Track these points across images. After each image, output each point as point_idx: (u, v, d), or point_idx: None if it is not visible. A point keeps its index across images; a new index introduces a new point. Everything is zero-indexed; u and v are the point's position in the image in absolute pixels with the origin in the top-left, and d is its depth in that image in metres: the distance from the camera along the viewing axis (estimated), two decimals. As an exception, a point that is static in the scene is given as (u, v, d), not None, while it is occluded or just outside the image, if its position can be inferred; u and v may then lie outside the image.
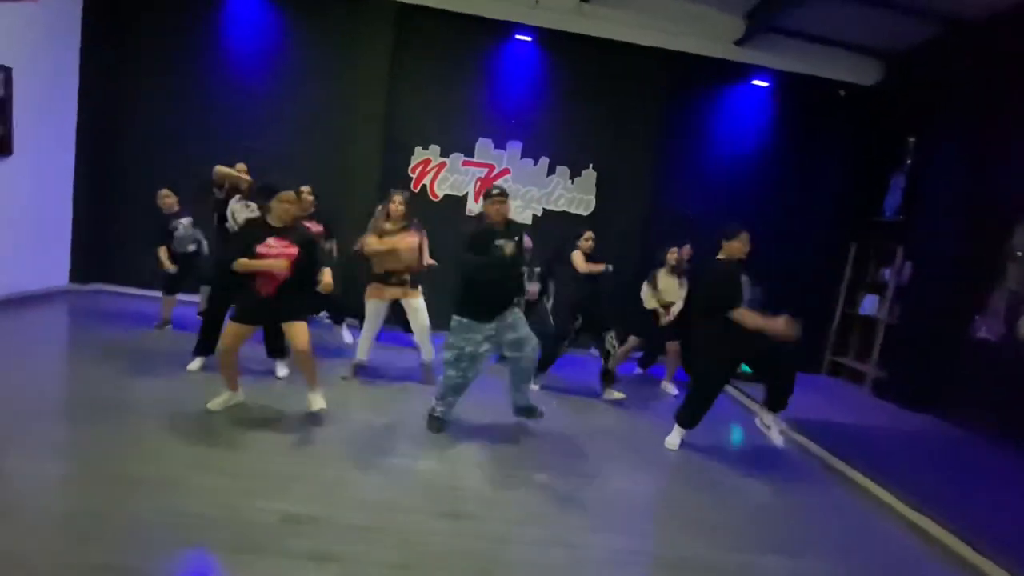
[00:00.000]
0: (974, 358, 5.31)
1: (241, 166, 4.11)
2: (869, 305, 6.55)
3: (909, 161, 6.29)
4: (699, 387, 3.94)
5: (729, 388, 5.75)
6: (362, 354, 4.48)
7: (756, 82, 6.59)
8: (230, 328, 3.34)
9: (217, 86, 6.29)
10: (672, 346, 5.43)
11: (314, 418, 3.52)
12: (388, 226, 4.18)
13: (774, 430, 3.96)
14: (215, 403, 3.46)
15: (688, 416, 3.93)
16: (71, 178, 6.16)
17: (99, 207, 6.29)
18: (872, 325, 6.47)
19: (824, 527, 3.16)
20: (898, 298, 6.15)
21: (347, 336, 5.49)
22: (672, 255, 5.20)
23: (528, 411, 3.82)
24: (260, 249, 3.22)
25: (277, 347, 4.24)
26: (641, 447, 3.95)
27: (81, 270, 6.35)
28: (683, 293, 5.20)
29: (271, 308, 3.35)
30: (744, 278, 3.65)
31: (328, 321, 5.87)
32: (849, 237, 6.87)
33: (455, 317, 3.48)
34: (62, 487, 2.57)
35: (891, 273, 6.30)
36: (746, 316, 3.49)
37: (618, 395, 4.80)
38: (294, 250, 3.28)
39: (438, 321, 5.62)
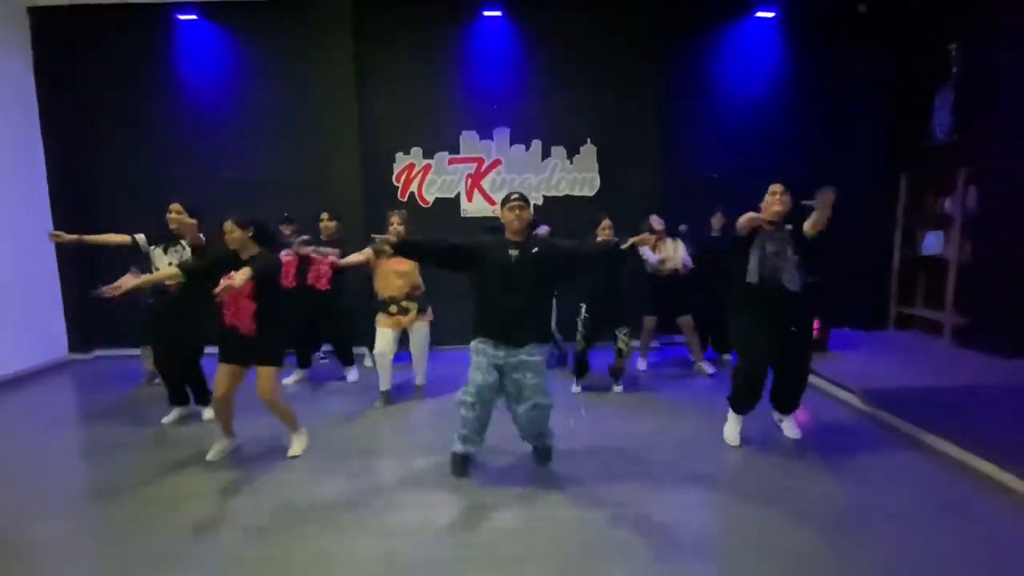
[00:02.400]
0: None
1: (175, 206, 3.73)
2: (933, 243, 5.69)
3: (955, 70, 5.41)
4: (739, 361, 3.42)
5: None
6: (384, 383, 4.27)
7: (761, 14, 5.81)
8: (220, 371, 3.19)
9: (182, 124, 5.94)
10: (685, 320, 4.94)
11: (308, 476, 3.07)
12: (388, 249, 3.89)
13: (787, 424, 3.58)
14: (213, 453, 3.38)
15: (734, 398, 3.45)
16: (52, 246, 5.92)
17: (86, 271, 6.01)
18: (940, 266, 5.61)
19: (933, 535, 2.48)
20: (968, 230, 5.28)
21: (353, 375, 4.97)
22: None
23: (539, 453, 3.21)
24: (223, 280, 2.99)
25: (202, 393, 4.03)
26: (692, 454, 3.32)
27: (79, 338, 6.12)
28: (678, 253, 4.87)
29: (252, 346, 3.15)
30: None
31: (324, 360, 5.55)
32: (897, 169, 6.01)
33: (472, 341, 3.03)
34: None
35: (954, 203, 5.44)
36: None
37: (617, 389, 4.55)
38: (251, 282, 3.00)
39: (446, 336, 5.20)
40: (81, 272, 5.99)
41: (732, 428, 3.47)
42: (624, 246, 3.10)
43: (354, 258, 4.01)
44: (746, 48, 5.93)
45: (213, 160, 5.90)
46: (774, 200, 3.19)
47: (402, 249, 3.05)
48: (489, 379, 2.92)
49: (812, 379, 4.60)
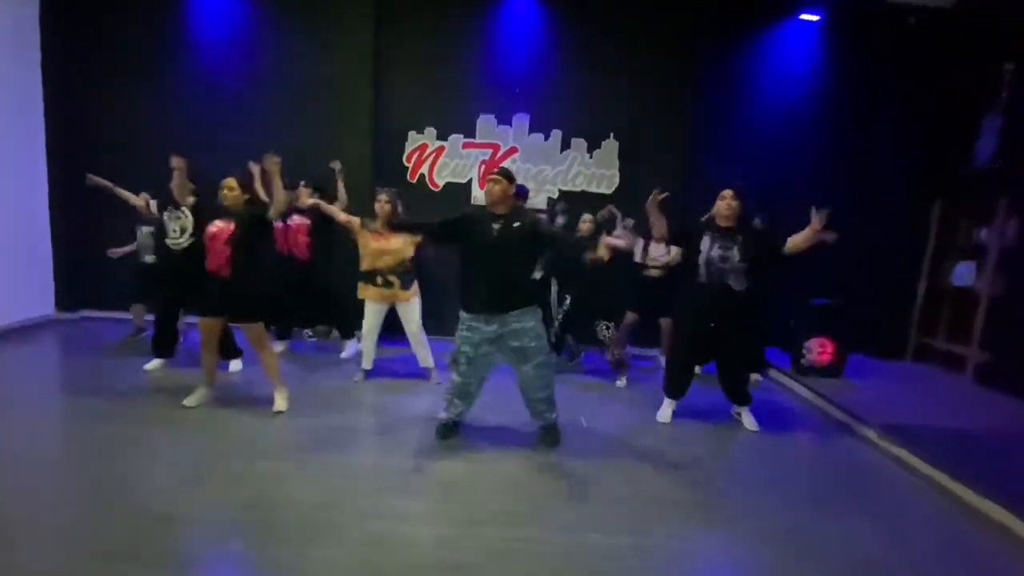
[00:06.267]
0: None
1: (230, 181, 3.80)
2: (963, 274, 5.41)
3: (1005, 95, 5.10)
4: (672, 355, 3.95)
5: (797, 386, 4.81)
6: (366, 361, 4.31)
7: (805, 16, 5.51)
8: (200, 324, 3.50)
9: (190, 83, 5.69)
10: (665, 322, 4.97)
11: (285, 448, 2.89)
12: (374, 224, 4.06)
13: (745, 417, 3.86)
14: (191, 399, 3.56)
15: (668, 386, 3.88)
16: (46, 200, 5.71)
17: (80, 227, 5.81)
18: (968, 298, 5.33)
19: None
20: (1004, 263, 5.00)
21: (350, 349, 4.93)
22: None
23: (546, 433, 3.36)
24: (209, 228, 3.42)
25: (227, 347, 4.14)
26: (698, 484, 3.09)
27: (67, 297, 5.92)
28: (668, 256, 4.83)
29: (227, 298, 3.42)
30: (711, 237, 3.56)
31: (313, 338, 5.50)
32: (931, 194, 5.72)
33: (461, 313, 3.18)
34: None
35: (990, 234, 5.16)
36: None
37: (620, 383, 4.63)
38: (231, 224, 3.40)
39: (442, 325, 5.02)
40: (73, 226, 5.78)
41: (665, 410, 3.87)
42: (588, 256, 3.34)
43: (338, 214, 4.19)
44: (785, 51, 5.63)
45: (220, 122, 5.64)
46: (723, 204, 3.52)
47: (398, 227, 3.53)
48: (479, 352, 3.10)
49: (823, 404, 4.41)
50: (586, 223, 4.56)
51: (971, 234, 5.46)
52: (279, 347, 4.89)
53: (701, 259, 3.53)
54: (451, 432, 3.35)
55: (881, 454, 3.63)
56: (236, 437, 3.22)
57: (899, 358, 5.85)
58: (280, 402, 3.57)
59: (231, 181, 3.42)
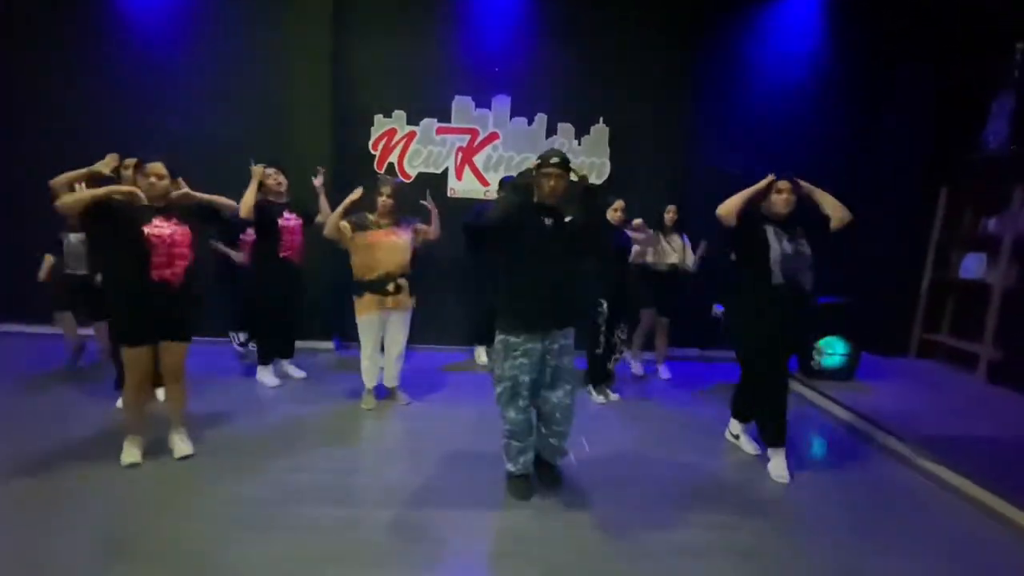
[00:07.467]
0: None
1: (157, 167, 3.04)
2: (973, 266, 5.12)
3: (1019, 73, 4.80)
4: (749, 372, 3.19)
5: (808, 392, 4.42)
6: (370, 380, 3.74)
7: (807, -10, 5.11)
8: (129, 356, 2.72)
9: (122, 62, 4.91)
10: (647, 315, 4.62)
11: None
12: (372, 219, 3.53)
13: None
14: (129, 455, 2.79)
15: (742, 409, 3.33)
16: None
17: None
18: (976, 291, 5.05)
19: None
20: (1017, 254, 4.72)
21: (271, 379, 4.08)
22: (669, 214, 4.50)
23: (547, 473, 2.79)
24: (149, 229, 2.67)
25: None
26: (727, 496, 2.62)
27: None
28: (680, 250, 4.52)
29: (169, 316, 2.75)
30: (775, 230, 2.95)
31: (241, 348, 4.72)
32: (936, 181, 5.40)
33: (499, 336, 2.58)
34: None
35: (1002, 223, 4.87)
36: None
37: (613, 397, 4.14)
38: (186, 227, 2.78)
39: (426, 335, 4.45)
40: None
41: (747, 443, 3.28)
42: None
43: (334, 217, 3.42)
44: (785, 30, 5.21)
45: (160, 109, 4.87)
46: (782, 200, 2.96)
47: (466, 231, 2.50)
48: (533, 378, 2.56)
49: (840, 411, 4.04)
50: (617, 211, 3.95)
51: (978, 224, 5.17)
52: (271, 379, 4.09)
53: (773, 256, 2.89)
54: (531, 489, 2.68)
55: (918, 472, 3.24)
56: (170, 488, 2.59)
57: (902, 354, 5.56)
58: (184, 446, 2.90)
59: (159, 167, 2.73)
